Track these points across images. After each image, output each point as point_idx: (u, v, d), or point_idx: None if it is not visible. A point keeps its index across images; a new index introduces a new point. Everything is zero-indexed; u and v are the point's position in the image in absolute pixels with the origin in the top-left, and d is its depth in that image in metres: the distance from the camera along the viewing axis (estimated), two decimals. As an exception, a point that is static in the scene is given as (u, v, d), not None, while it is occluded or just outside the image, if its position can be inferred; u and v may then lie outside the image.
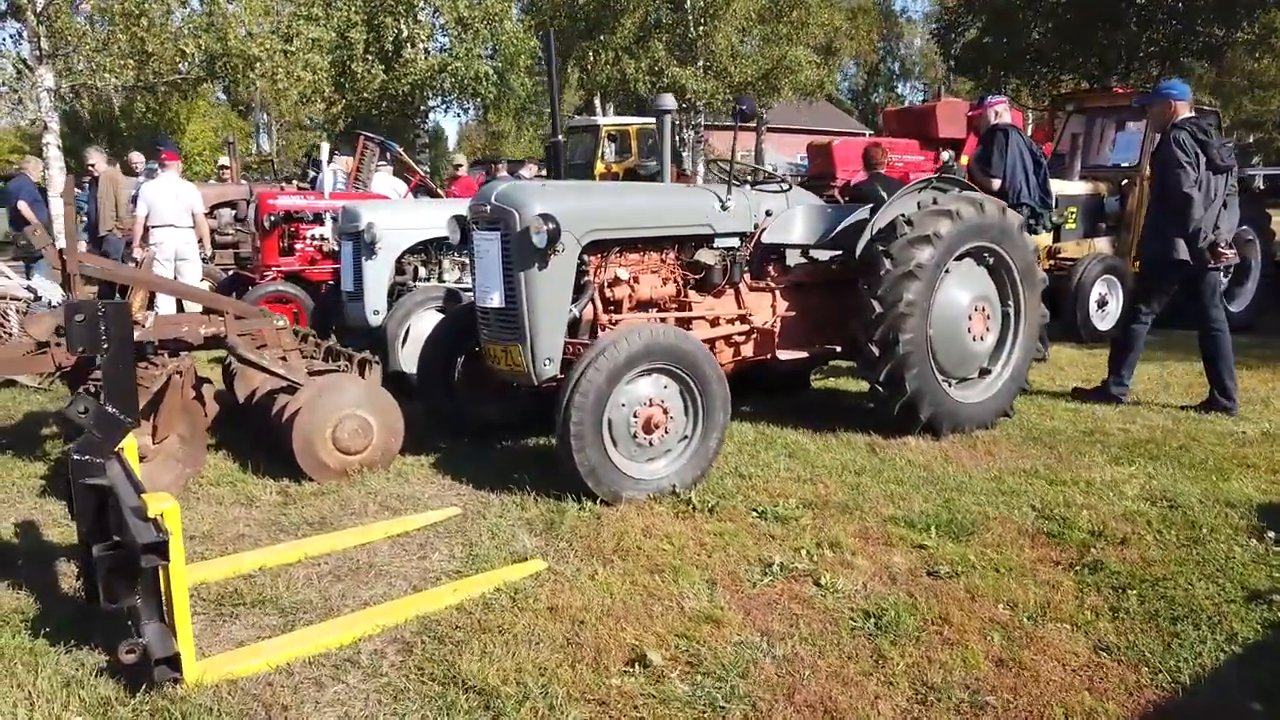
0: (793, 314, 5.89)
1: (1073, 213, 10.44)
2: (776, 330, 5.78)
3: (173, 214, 9.95)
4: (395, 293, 7.64)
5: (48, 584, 3.75)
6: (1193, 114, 6.27)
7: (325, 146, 10.49)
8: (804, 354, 5.94)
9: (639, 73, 25.60)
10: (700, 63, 26.44)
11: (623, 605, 3.45)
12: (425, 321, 7.28)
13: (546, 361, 4.95)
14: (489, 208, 4.96)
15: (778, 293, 5.90)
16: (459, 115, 26.28)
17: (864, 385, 7.49)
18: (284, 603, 3.56)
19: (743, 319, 5.74)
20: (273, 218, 10.07)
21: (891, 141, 9.63)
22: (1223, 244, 6.13)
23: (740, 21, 26.16)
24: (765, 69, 26.58)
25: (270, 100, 36.51)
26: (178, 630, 2.91)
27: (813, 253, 6.24)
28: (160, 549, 2.76)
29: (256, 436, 5.58)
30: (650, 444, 4.71)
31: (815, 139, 14.02)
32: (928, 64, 64.15)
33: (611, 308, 5.28)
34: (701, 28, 26.64)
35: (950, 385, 5.82)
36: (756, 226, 5.75)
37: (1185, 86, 6.49)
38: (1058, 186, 10.68)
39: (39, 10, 17.34)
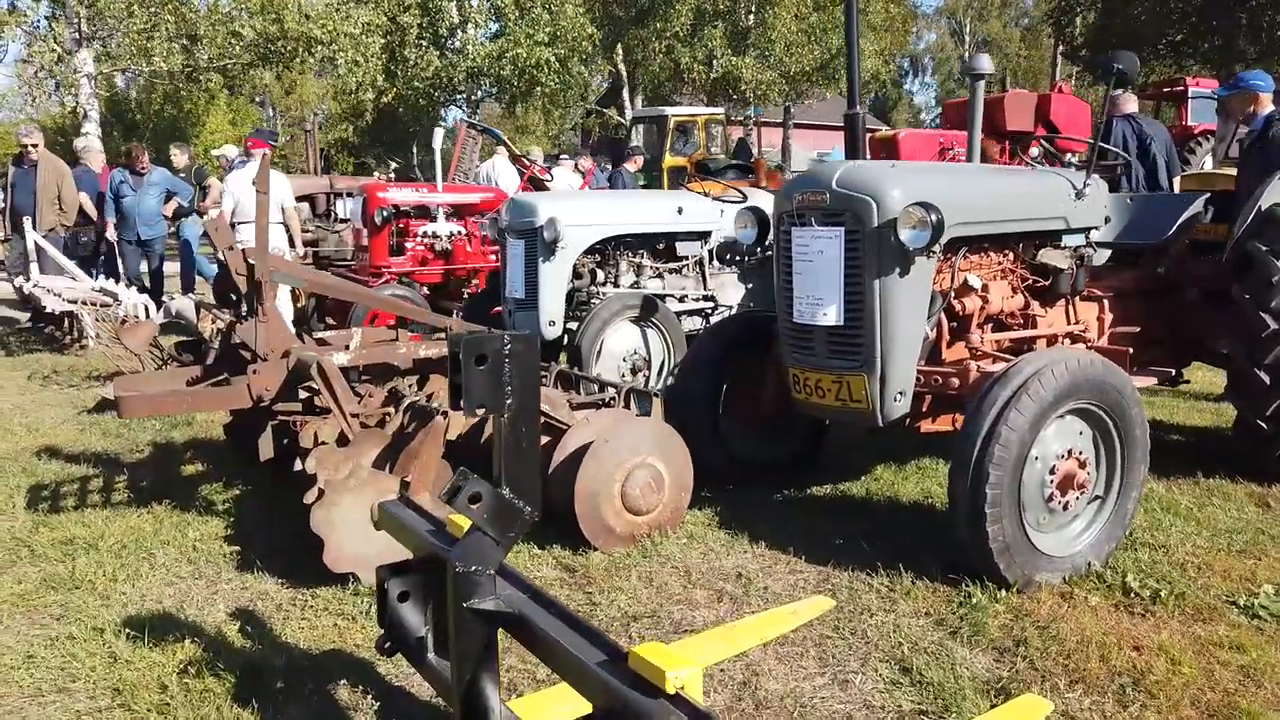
0: (1132, 330, 4.76)
1: None
2: (1126, 352, 4.61)
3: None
4: (571, 299, 6.49)
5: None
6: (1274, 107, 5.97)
7: (439, 132, 9.31)
8: (1152, 381, 4.79)
9: (693, 62, 24.42)
10: (753, 52, 25.28)
11: (1252, 787, 2.32)
12: (620, 334, 6.17)
13: (898, 396, 3.82)
14: (828, 195, 3.80)
15: (1105, 303, 4.78)
16: (505, 106, 24.84)
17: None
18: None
19: (1077, 337, 4.60)
20: (384, 212, 8.90)
21: (955, 134, 8.64)
22: None
23: (796, 9, 25.00)
24: (824, 59, 25.37)
25: (280, 93, 35.10)
26: None
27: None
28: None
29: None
30: (1064, 508, 3.56)
31: (879, 131, 12.90)
32: (942, 59, 62.97)
33: (954, 324, 4.14)
34: (754, 16, 25.45)
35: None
36: (1107, 220, 4.61)
37: (1270, 77, 6.30)
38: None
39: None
